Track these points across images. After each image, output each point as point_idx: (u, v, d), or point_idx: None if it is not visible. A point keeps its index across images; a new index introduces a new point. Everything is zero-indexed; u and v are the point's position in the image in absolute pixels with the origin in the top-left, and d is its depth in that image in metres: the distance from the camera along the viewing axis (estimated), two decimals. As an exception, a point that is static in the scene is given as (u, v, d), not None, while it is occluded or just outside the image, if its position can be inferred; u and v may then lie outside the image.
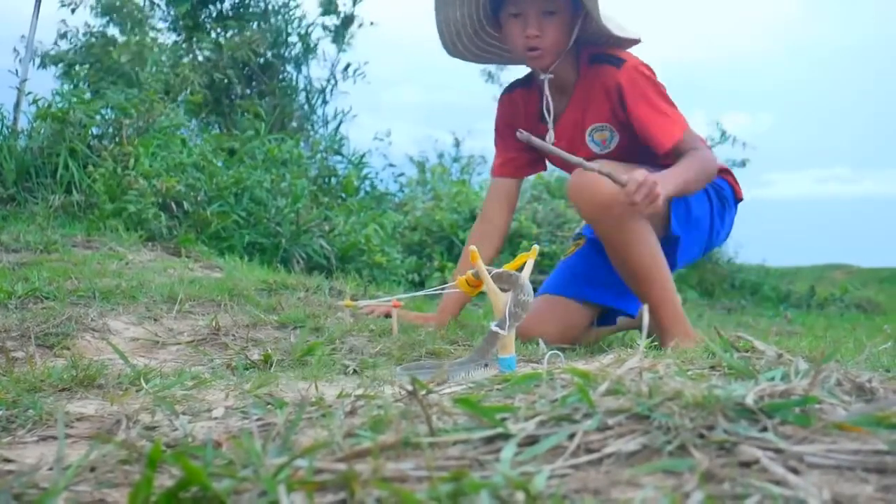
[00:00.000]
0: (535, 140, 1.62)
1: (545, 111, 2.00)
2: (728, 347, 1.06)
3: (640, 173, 1.59)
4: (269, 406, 0.98)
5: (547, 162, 2.21)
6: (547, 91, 1.98)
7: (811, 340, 1.87)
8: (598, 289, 2.09)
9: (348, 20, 7.23)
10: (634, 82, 1.89)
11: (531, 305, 1.38)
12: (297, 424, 0.71)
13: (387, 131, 7.72)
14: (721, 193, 2.09)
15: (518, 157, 2.16)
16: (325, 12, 7.16)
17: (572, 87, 2.01)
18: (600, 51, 1.96)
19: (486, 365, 1.34)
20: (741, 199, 2.17)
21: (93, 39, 6.17)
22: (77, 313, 1.73)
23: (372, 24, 7.39)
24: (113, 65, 5.60)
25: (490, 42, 2.07)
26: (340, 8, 7.23)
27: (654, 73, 1.94)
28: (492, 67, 9.26)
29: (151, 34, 6.20)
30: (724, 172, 2.13)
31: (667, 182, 1.65)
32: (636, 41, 1.99)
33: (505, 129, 2.16)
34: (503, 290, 1.39)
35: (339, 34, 7.23)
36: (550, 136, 2.01)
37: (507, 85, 2.21)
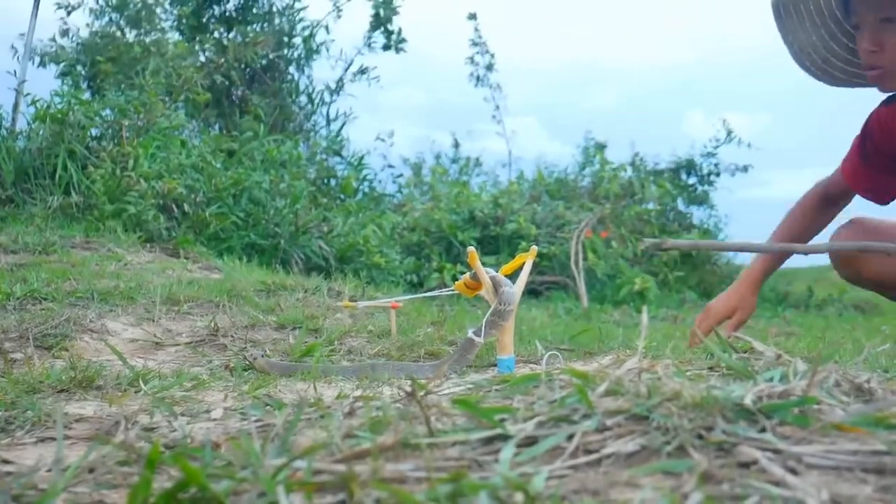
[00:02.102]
0: None
1: None
2: (727, 348, 1.06)
3: None
4: (267, 407, 0.98)
5: None
6: None
7: (810, 341, 1.87)
8: None
9: (386, 26, 7.36)
10: None
11: (510, 315, 1.35)
12: (296, 425, 0.71)
13: (390, 132, 7.75)
14: None
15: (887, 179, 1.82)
16: (376, 27, 7.31)
17: None
18: None
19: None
20: None
21: (97, 39, 6.17)
22: (75, 314, 1.73)
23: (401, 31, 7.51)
24: (121, 59, 5.61)
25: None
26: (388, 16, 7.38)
27: None
28: (481, 70, 9.27)
29: (154, 35, 6.21)
30: None
31: None
32: None
33: (876, 149, 1.81)
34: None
35: (392, 43, 7.36)
36: None
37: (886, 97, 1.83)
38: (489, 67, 9.17)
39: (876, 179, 1.82)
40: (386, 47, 7.42)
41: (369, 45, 7.44)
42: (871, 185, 1.84)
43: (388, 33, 7.40)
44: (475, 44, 9.18)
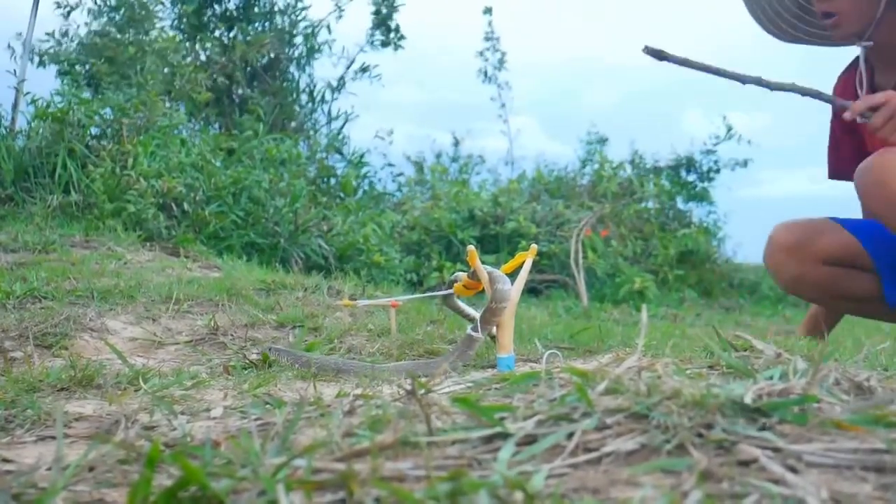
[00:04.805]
0: (673, 57, 1.56)
1: (857, 86, 1.74)
2: (727, 346, 1.06)
3: (882, 94, 1.43)
4: (267, 406, 0.98)
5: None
6: (861, 63, 1.73)
7: (809, 339, 1.87)
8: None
9: (386, 24, 7.39)
10: None
11: (503, 312, 1.35)
12: (296, 424, 0.71)
13: (389, 130, 7.75)
14: None
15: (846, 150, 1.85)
16: (378, 25, 7.36)
17: None
18: None
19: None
20: None
21: (97, 38, 6.16)
22: (75, 313, 1.72)
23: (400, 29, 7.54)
24: (119, 59, 5.60)
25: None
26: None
27: None
28: (489, 68, 9.27)
29: (154, 33, 6.19)
30: None
31: None
32: None
33: (833, 124, 1.88)
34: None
35: (391, 41, 7.41)
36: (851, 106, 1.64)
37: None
38: (500, 63, 9.17)
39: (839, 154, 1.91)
40: (384, 44, 7.46)
41: (371, 43, 7.46)
42: (837, 160, 1.91)
43: (388, 31, 7.44)
44: (488, 38, 9.18)
